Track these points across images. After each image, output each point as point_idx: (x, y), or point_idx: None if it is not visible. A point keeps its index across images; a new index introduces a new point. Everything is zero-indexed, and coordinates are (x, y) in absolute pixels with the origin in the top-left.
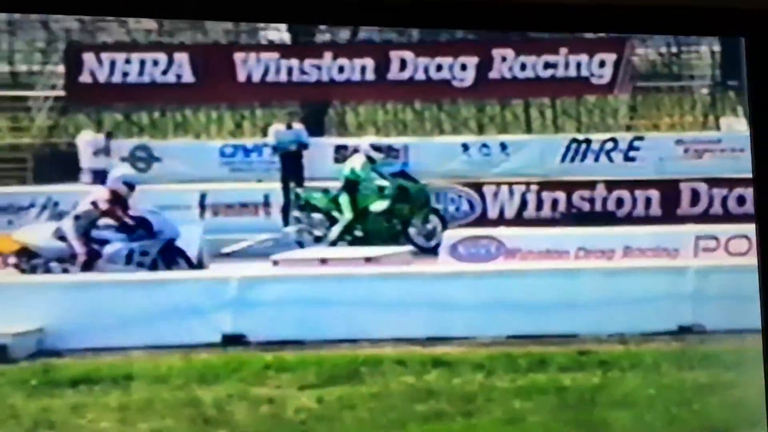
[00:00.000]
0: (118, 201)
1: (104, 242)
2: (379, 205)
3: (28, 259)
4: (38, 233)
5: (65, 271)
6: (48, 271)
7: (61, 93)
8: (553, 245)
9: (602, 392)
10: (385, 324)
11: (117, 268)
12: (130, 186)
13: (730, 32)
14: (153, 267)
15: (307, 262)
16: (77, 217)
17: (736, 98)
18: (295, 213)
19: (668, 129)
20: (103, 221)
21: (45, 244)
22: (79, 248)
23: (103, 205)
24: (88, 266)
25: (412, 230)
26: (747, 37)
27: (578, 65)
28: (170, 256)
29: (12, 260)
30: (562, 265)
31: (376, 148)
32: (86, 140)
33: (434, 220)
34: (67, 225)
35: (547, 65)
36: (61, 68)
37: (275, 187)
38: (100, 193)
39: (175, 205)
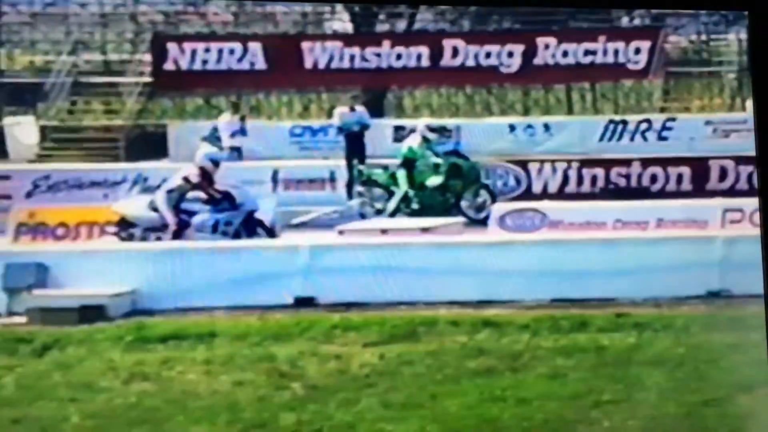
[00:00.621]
0: (206, 176)
1: (193, 213)
2: (434, 181)
3: (126, 228)
4: (135, 205)
5: (158, 239)
6: (144, 239)
7: (148, 79)
8: (593, 217)
9: (637, 352)
10: (439, 288)
11: (204, 237)
12: (216, 163)
13: (735, 6)
14: (236, 236)
15: (369, 232)
16: (170, 191)
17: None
18: (358, 188)
19: (698, 111)
20: (192, 194)
21: (141, 215)
22: (170, 218)
23: (194, 179)
24: (178, 235)
25: (464, 203)
26: (751, 11)
27: (615, 52)
28: (251, 226)
29: (112, 229)
30: (600, 235)
31: (432, 129)
32: (224, 123)
33: (484, 195)
34: (160, 198)
35: (587, 52)
36: (148, 57)
37: (340, 164)
38: (190, 170)
39: (251, 181)
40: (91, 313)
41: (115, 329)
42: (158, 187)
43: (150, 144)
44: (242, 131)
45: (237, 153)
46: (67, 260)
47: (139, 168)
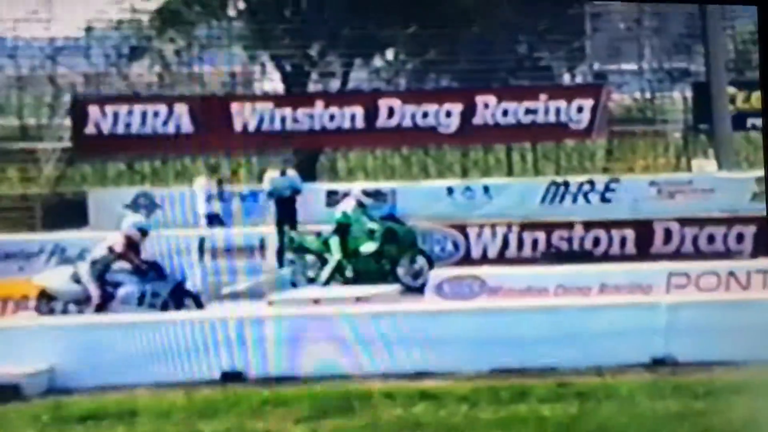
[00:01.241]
0: (132, 246)
1: (118, 285)
2: (368, 247)
3: (47, 302)
4: (57, 277)
5: (81, 312)
6: (65, 312)
7: (68, 144)
8: (534, 283)
9: (580, 422)
10: (374, 359)
11: (130, 309)
12: (144, 232)
13: (744, 1)
14: (164, 308)
15: (301, 302)
16: (93, 262)
17: (707, 141)
18: (289, 255)
19: (642, 171)
20: (117, 265)
21: (63, 288)
22: (93, 291)
23: (119, 248)
24: (102, 308)
25: (400, 270)
26: (760, 6)
27: (557, 111)
28: (179, 297)
29: (31, 303)
30: (541, 302)
31: (367, 193)
32: (200, 186)
33: (421, 261)
34: (83, 269)
35: (527, 111)
36: (67, 121)
37: (270, 230)
38: (115, 239)
39: (176, 250)
40: (4, 392)
41: (30, 409)
42: (78, 257)
43: (69, 212)
44: (220, 196)
45: (216, 220)
46: None
47: (57, 238)
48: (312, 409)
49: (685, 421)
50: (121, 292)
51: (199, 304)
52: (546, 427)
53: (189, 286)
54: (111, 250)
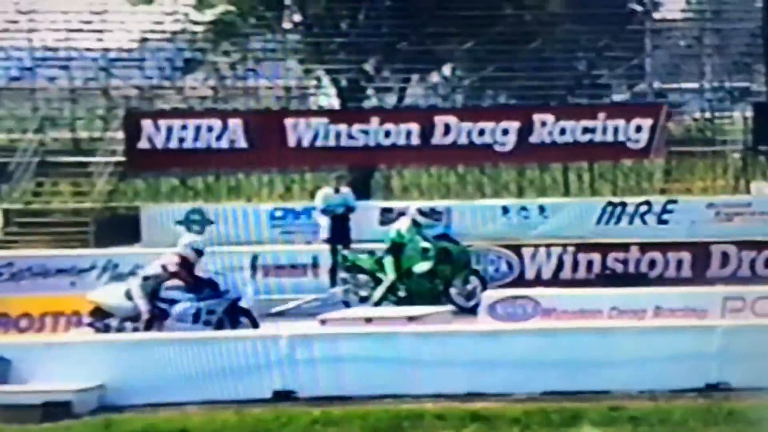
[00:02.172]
0: (185, 265)
1: (173, 302)
2: (422, 267)
3: (101, 318)
4: (111, 294)
5: (136, 329)
6: (121, 330)
7: (121, 158)
8: (588, 305)
9: None
10: (426, 380)
11: (185, 326)
12: (199, 252)
13: None
14: (219, 325)
15: (353, 321)
16: (145, 278)
17: (767, 163)
18: (342, 274)
19: (700, 193)
20: (171, 282)
21: (117, 304)
22: (143, 307)
23: (172, 267)
24: (152, 325)
25: (453, 290)
26: None
27: (615, 130)
28: (235, 315)
29: (86, 320)
30: (595, 324)
31: (423, 212)
32: (322, 195)
33: (474, 281)
34: (134, 285)
35: (585, 130)
36: (120, 134)
37: (323, 248)
38: (170, 258)
39: (228, 267)
40: (55, 409)
41: (81, 426)
42: (130, 273)
43: (121, 228)
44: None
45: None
46: (30, 353)
47: (109, 254)
48: (362, 429)
49: None
50: (177, 309)
51: (255, 323)
52: None
53: (245, 303)
54: (164, 268)
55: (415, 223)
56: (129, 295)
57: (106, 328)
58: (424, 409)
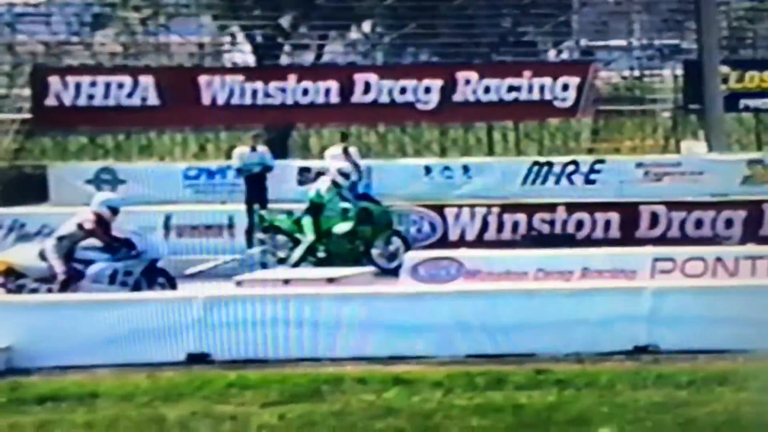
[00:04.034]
0: (102, 223)
1: (88, 262)
2: (342, 227)
3: (14, 279)
4: (23, 254)
5: (50, 291)
6: (35, 291)
7: (27, 116)
8: (513, 267)
9: (558, 411)
10: (346, 343)
11: (101, 288)
12: (114, 210)
13: None
14: (136, 287)
15: (270, 283)
16: (60, 238)
17: (697, 122)
18: (259, 235)
19: (629, 152)
20: (87, 242)
21: (30, 264)
22: (59, 268)
23: (88, 226)
24: (68, 286)
25: (374, 251)
26: None
27: (542, 88)
28: (153, 275)
29: None
30: (521, 286)
31: (343, 173)
32: (331, 154)
33: (397, 242)
34: (49, 246)
35: (510, 88)
36: (27, 91)
37: (239, 209)
38: (85, 215)
39: (141, 227)
40: None
41: None
42: (38, 233)
43: (28, 187)
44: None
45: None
46: None
47: (16, 213)
48: (280, 393)
49: (667, 411)
50: (92, 269)
51: (173, 284)
52: (523, 415)
53: (163, 264)
54: (80, 226)
55: (335, 183)
56: (43, 256)
57: (19, 289)
58: (344, 372)
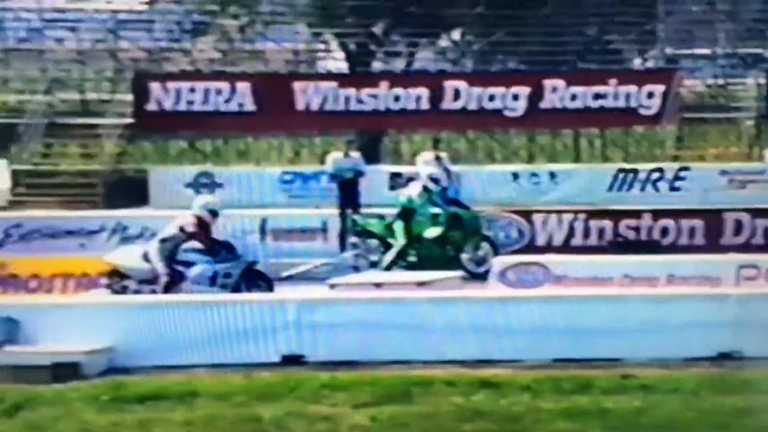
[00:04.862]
0: (202, 226)
1: (189, 264)
2: (432, 232)
3: (119, 280)
4: (128, 256)
5: (153, 292)
6: (137, 292)
7: (129, 121)
8: (599, 272)
9: (643, 415)
10: (435, 346)
11: (202, 289)
12: (214, 213)
13: None
14: (235, 289)
15: (362, 286)
16: (163, 240)
17: None
18: (352, 239)
19: (713, 160)
20: (188, 245)
21: (134, 266)
22: (161, 270)
23: (190, 229)
24: (171, 287)
25: (464, 256)
26: None
27: (627, 96)
28: (251, 278)
29: (104, 282)
30: (607, 291)
31: (434, 179)
32: (423, 160)
33: (485, 247)
34: (153, 248)
35: (596, 96)
36: (129, 97)
37: (333, 213)
38: (186, 219)
39: (237, 230)
40: (64, 370)
41: (90, 388)
42: (139, 236)
43: (129, 190)
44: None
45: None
46: (39, 314)
47: (118, 216)
48: (372, 394)
49: (751, 417)
50: (193, 272)
51: (271, 287)
52: (609, 420)
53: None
54: (182, 229)
55: (425, 189)
56: (146, 258)
57: (124, 290)
58: (433, 375)
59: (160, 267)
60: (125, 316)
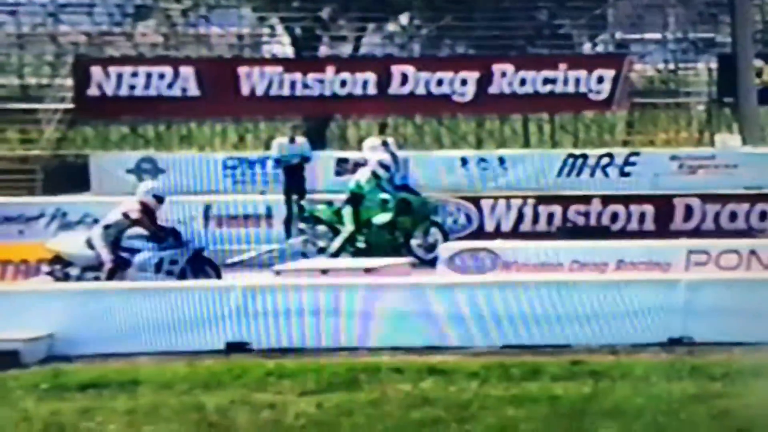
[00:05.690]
0: (147, 212)
1: (134, 251)
2: (381, 218)
3: (62, 267)
4: (71, 242)
5: (96, 279)
6: (81, 279)
7: (70, 106)
8: (548, 258)
9: (593, 402)
10: (382, 333)
11: (147, 276)
12: (159, 199)
13: None
14: (182, 276)
15: (308, 273)
16: (107, 227)
17: (731, 115)
18: (300, 225)
19: (664, 145)
20: (133, 231)
21: (77, 252)
22: (105, 256)
23: (134, 215)
24: (115, 274)
25: (413, 242)
26: None
27: (577, 81)
28: (198, 264)
29: (46, 268)
30: (556, 277)
31: (383, 165)
32: (369, 145)
33: (435, 233)
34: (96, 234)
35: (546, 81)
36: (69, 81)
37: (278, 199)
38: (131, 205)
39: (180, 216)
40: (3, 359)
41: (29, 376)
42: (79, 222)
43: (70, 176)
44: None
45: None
46: None
47: (58, 202)
48: (318, 382)
49: (701, 402)
50: (138, 258)
51: (218, 273)
52: (558, 406)
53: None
54: (126, 216)
55: (375, 175)
56: (90, 244)
57: (66, 277)
58: (380, 362)
59: (104, 253)
60: (65, 303)
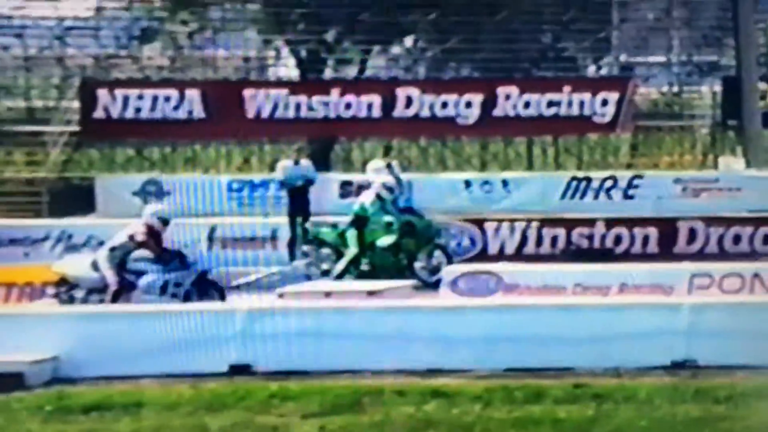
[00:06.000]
0: (153, 235)
1: (140, 273)
2: (385, 240)
3: (67, 289)
4: (77, 264)
5: (102, 301)
6: (86, 301)
7: (76, 128)
8: (552, 281)
9: (596, 425)
10: (386, 356)
11: (152, 299)
12: (164, 221)
13: None
14: (186, 298)
15: (311, 295)
16: (112, 249)
17: (736, 138)
18: (304, 247)
19: (667, 168)
20: (138, 253)
21: (83, 275)
22: (111, 278)
23: (140, 237)
24: (120, 297)
25: (417, 265)
26: None
27: (581, 104)
28: (203, 287)
29: (51, 291)
30: (559, 300)
31: (387, 187)
32: (374, 167)
33: (439, 256)
34: (101, 256)
35: (550, 103)
36: (75, 104)
37: (282, 221)
38: (136, 227)
39: (185, 238)
40: (8, 381)
41: (34, 398)
42: (85, 244)
43: (75, 198)
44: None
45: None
46: None
47: (63, 224)
48: (321, 404)
49: (705, 426)
50: (143, 281)
51: (223, 296)
52: (562, 429)
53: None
54: (131, 238)
55: (379, 197)
56: (96, 266)
57: (72, 300)
58: (384, 385)
59: (110, 276)
60: (70, 326)
